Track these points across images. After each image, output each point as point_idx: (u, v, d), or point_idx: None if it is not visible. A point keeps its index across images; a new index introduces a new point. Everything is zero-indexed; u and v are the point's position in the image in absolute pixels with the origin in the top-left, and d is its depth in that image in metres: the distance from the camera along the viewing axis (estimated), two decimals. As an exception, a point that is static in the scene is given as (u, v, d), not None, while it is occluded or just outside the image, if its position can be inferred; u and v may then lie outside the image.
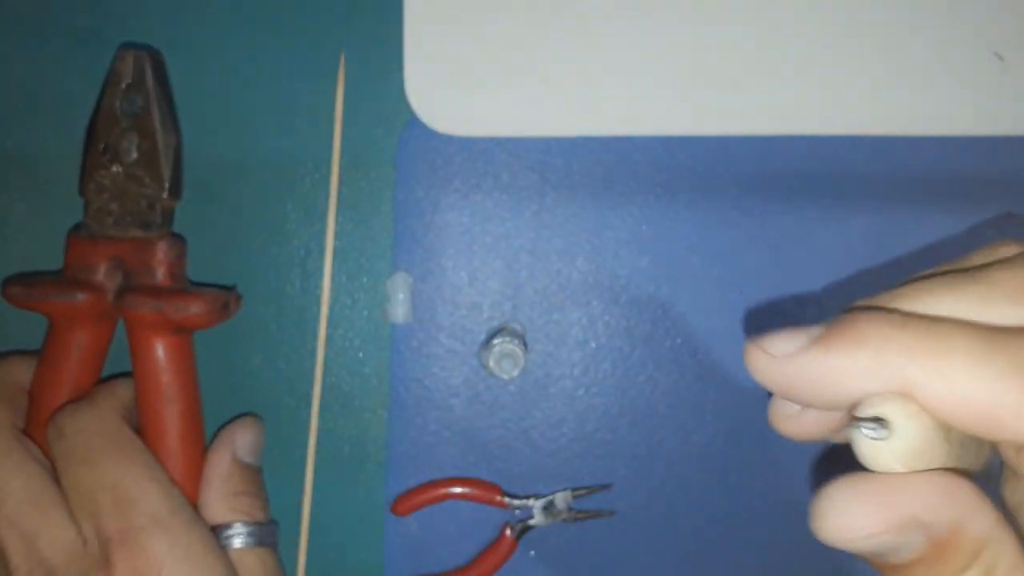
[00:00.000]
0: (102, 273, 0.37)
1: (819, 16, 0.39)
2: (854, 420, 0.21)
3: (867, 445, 0.20)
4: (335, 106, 0.41)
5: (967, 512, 0.20)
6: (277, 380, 0.42)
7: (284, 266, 0.42)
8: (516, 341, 0.39)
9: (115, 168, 0.37)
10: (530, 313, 0.41)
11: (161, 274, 0.37)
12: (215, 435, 0.39)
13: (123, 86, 0.37)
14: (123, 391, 0.38)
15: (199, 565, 0.34)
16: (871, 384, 0.21)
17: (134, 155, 0.37)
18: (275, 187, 0.42)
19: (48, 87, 0.42)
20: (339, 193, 0.41)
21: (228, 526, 0.37)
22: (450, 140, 0.41)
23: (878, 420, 0.20)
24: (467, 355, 0.41)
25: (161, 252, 0.37)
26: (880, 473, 0.20)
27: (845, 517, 0.20)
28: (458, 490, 0.41)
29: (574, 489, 0.41)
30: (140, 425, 0.38)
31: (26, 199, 0.43)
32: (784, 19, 0.40)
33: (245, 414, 0.42)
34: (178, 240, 0.38)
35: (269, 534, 0.38)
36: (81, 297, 0.37)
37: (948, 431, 0.21)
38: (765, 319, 0.41)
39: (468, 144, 0.41)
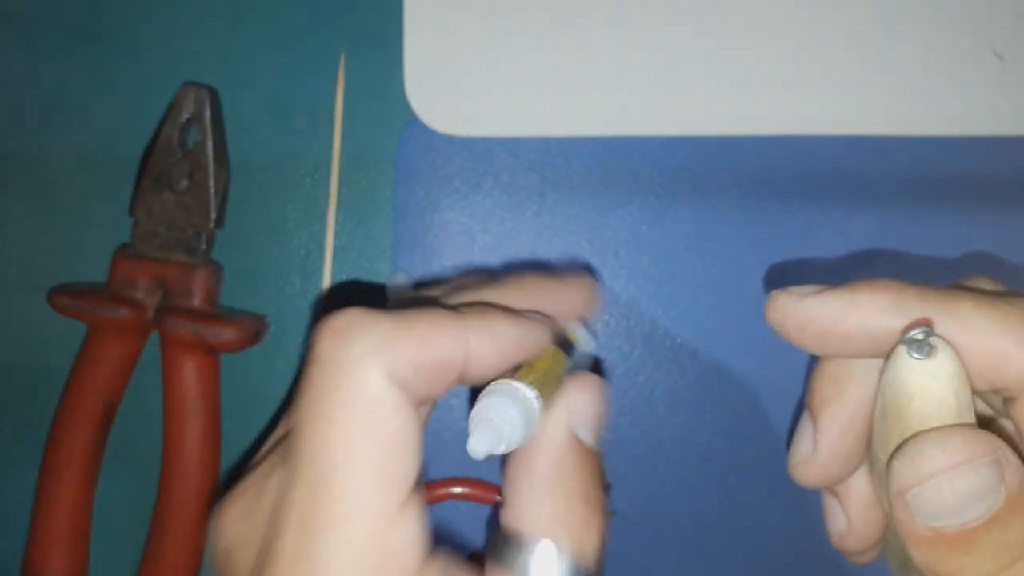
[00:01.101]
0: (143, 291, 0.40)
1: (819, 16, 0.39)
2: (903, 341, 0.22)
3: (918, 369, 0.21)
4: (335, 106, 0.41)
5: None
6: (277, 380, 0.42)
7: (284, 266, 0.42)
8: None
9: (166, 195, 0.40)
10: (530, 313, 0.41)
11: (199, 298, 0.40)
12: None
13: (182, 119, 0.40)
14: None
15: None
16: (891, 320, 0.22)
17: (185, 184, 0.39)
18: (275, 187, 0.42)
19: (48, 87, 0.42)
20: (339, 193, 0.41)
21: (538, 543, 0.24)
22: (450, 140, 0.41)
23: (925, 334, 0.21)
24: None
25: (201, 277, 0.40)
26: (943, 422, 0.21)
27: (953, 449, 0.20)
28: (458, 490, 0.41)
29: (574, 489, 0.41)
30: (164, 434, 0.40)
31: (26, 199, 0.43)
32: (784, 19, 0.40)
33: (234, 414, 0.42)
34: (217, 267, 0.41)
35: None
36: (124, 312, 0.39)
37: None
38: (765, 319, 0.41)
39: (468, 144, 0.41)
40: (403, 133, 0.41)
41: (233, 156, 0.41)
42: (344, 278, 0.42)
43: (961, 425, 0.21)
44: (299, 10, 0.41)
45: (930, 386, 0.21)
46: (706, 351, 0.41)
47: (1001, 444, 0.21)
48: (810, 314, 0.23)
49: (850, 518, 0.27)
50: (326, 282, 0.42)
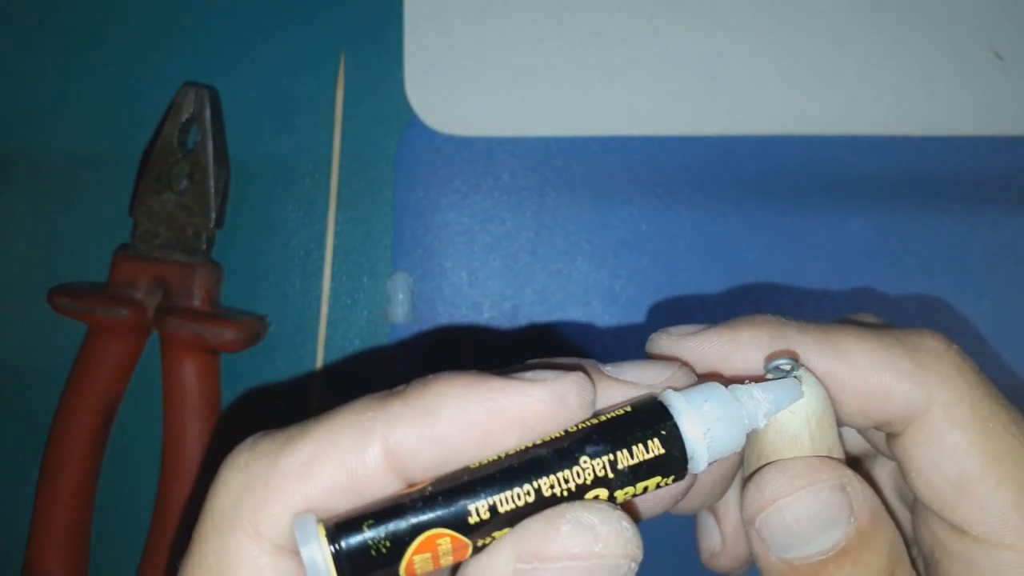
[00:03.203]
0: (144, 291, 0.40)
1: (819, 17, 0.39)
2: (767, 368, 0.21)
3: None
4: (335, 106, 0.41)
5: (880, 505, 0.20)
6: (277, 380, 0.42)
7: (284, 266, 0.42)
8: None
9: (166, 195, 0.40)
10: (530, 313, 0.41)
11: (200, 298, 0.40)
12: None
13: (182, 119, 0.39)
14: None
15: None
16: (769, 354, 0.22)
17: (185, 184, 0.39)
18: (275, 187, 0.42)
19: (48, 87, 0.42)
20: (339, 193, 0.41)
21: None
22: (450, 140, 0.41)
23: (790, 365, 0.21)
24: (467, 355, 0.41)
25: (202, 277, 0.40)
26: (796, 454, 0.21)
27: (792, 486, 0.20)
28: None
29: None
30: (164, 433, 0.40)
31: (26, 199, 0.43)
32: (784, 20, 0.40)
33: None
34: (217, 267, 0.41)
35: None
36: (124, 312, 0.39)
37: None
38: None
39: (468, 144, 0.41)
40: (403, 133, 0.41)
41: (233, 156, 0.41)
42: (344, 278, 0.42)
43: (820, 461, 0.20)
44: (299, 10, 0.41)
45: (786, 420, 0.20)
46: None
47: (849, 473, 0.20)
48: (692, 355, 0.23)
49: (725, 536, 0.26)
50: (326, 282, 0.42)
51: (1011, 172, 0.40)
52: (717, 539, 0.26)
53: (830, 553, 0.20)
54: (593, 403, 0.20)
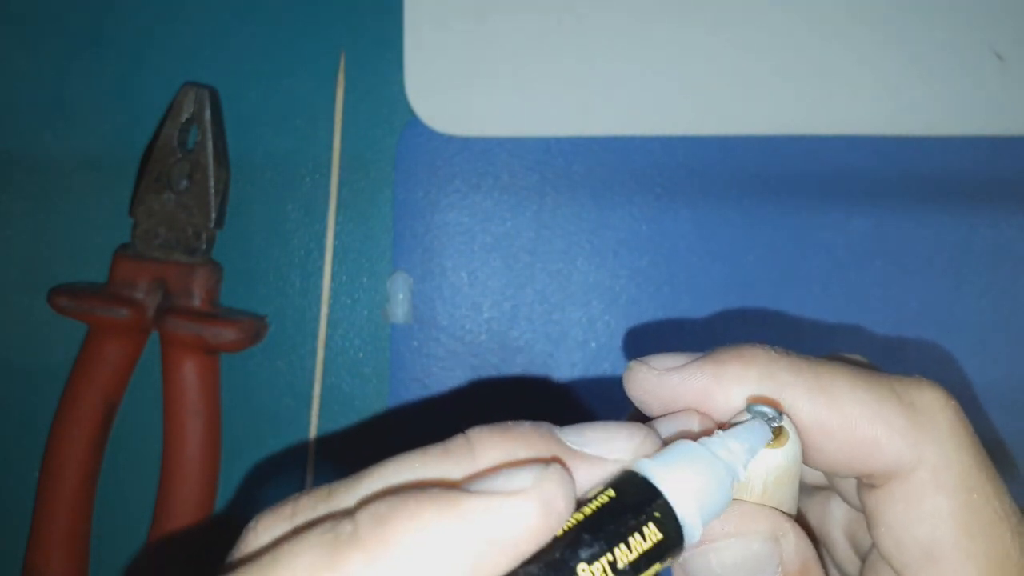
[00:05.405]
0: (144, 291, 0.40)
1: (819, 17, 0.39)
2: (749, 409, 0.20)
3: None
4: (335, 106, 0.41)
5: (814, 558, 0.20)
6: (277, 380, 0.42)
7: (284, 266, 0.42)
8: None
9: (166, 195, 0.40)
10: (530, 313, 0.41)
11: (200, 298, 0.40)
12: None
13: (182, 119, 0.40)
14: None
15: None
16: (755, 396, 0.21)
17: (185, 184, 0.39)
18: (275, 187, 0.42)
19: (48, 87, 0.42)
20: (339, 193, 0.41)
21: None
22: (450, 140, 0.41)
23: (773, 414, 0.20)
24: (467, 355, 0.41)
25: (202, 277, 0.40)
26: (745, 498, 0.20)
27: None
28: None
29: (574, 489, 0.41)
30: (164, 434, 0.40)
31: (26, 199, 0.43)
32: (784, 20, 0.40)
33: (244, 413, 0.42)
34: (217, 267, 0.41)
35: None
36: (124, 313, 0.39)
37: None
38: (765, 319, 0.41)
39: (468, 144, 0.41)
40: (403, 133, 0.41)
41: (233, 156, 0.41)
42: (344, 278, 0.42)
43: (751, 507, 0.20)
44: (299, 10, 0.41)
45: (762, 468, 0.20)
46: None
47: (787, 526, 0.20)
48: (673, 393, 0.21)
49: None
50: (326, 282, 0.42)
51: (1011, 172, 0.40)
52: None
53: None
54: (575, 497, 0.17)
